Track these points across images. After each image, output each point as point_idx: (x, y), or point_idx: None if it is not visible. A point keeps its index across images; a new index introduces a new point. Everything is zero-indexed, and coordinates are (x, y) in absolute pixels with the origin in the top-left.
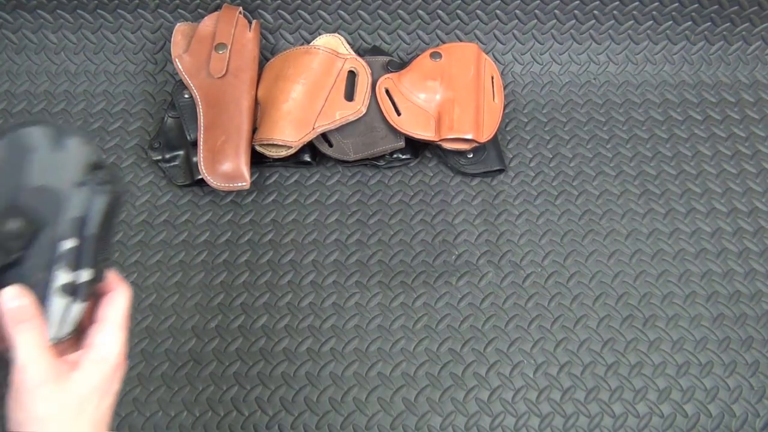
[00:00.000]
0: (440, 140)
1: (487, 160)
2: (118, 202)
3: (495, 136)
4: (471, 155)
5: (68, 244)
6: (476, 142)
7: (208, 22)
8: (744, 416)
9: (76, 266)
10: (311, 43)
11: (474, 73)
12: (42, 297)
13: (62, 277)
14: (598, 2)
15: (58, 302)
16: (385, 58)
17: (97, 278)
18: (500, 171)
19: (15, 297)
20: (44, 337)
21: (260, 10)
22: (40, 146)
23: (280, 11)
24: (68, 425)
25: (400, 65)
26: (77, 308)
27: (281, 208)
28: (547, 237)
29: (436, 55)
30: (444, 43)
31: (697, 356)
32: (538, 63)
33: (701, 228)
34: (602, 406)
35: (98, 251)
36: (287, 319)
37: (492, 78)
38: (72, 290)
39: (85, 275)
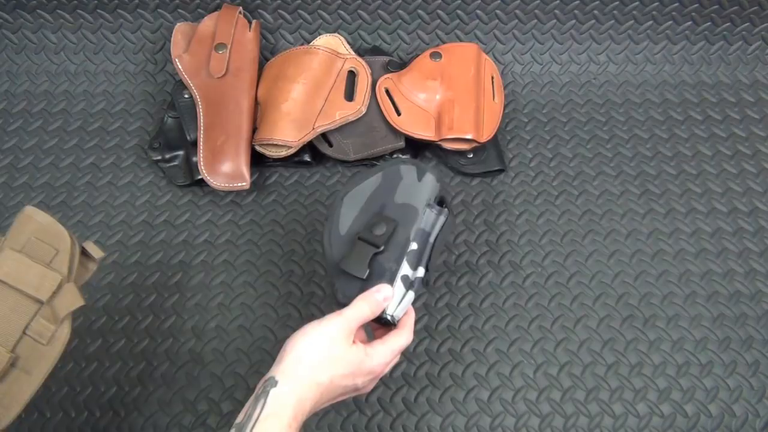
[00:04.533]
0: (440, 140)
1: (487, 160)
2: (451, 226)
3: (495, 136)
4: (471, 155)
5: (413, 246)
6: (476, 142)
7: (208, 22)
8: (744, 416)
9: (415, 265)
10: (311, 43)
11: (474, 73)
12: (391, 280)
13: (405, 269)
14: (598, 2)
15: (399, 287)
16: (385, 58)
17: (426, 278)
18: (500, 171)
19: (384, 291)
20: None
21: (260, 10)
22: (407, 177)
23: (280, 11)
24: (335, 380)
25: (400, 65)
26: (409, 296)
27: (281, 208)
28: (547, 237)
29: (436, 56)
30: (444, 43)
31: (697, 356)
32: (538, 63)
33: (701, 228)
34: (602, 406)
35: (431, 257)
36: (288, 319)
37: (492, 78)
38: (409, 283)
39: (419, 272)
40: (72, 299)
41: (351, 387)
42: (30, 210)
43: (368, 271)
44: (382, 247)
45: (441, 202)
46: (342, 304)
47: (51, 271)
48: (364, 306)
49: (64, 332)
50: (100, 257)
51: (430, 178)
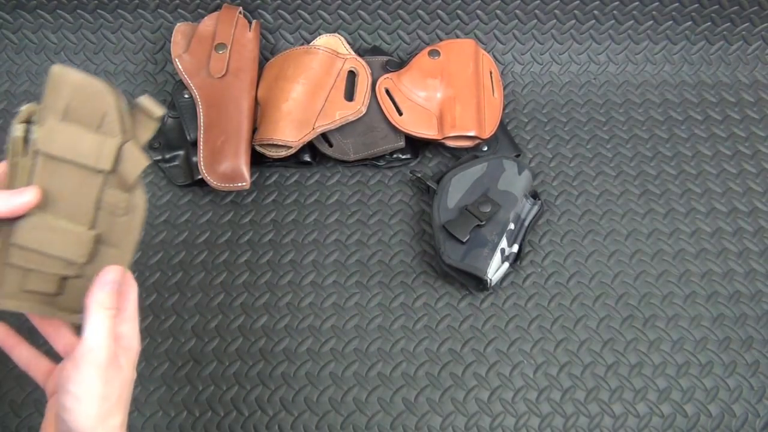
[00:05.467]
0: (443, 138)
1: (501, 149)
2: (542, 215)
3: (504, 127)
4: (486, 148)
5: (511, 226)
6: (479, 138)
7: (208, 22)
8: (744, 416)
9: (512, 242)
10: (311, 43)
11: (473, 69)
12: (492, 250)
13: (503, 243)
14: (598, 2)
15: (498, 257)
16: (384, 58)
17: (519, 254)
18: (517, 157)
19: (115, 273)
20: (113, 326)
21: (260, 10)
22: (509, 170)
23: (280, 11)
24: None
25: (399, 64)
26: (504, 266)
27: (281, 208)
28: (548, 237)
29: (434, 53)
30: None
31: (697, 356)
32: (538, 63)
33: (701, 228)
34: (602, 406)
35: (523, 238)
36: (287, 320)
37: (490, 73)
38: (505, 256)
39: (514, 248)
40: (136, 161)
41: (129, 390)
42: (58, 69)
43: (469, 237)
44: (484, 222)
45: (534, 195)
46: (447, 265)
47: (104, 136)
48: (100, 321)
49: (140, 198)
50: (161, 115)
51: (527, 174)
